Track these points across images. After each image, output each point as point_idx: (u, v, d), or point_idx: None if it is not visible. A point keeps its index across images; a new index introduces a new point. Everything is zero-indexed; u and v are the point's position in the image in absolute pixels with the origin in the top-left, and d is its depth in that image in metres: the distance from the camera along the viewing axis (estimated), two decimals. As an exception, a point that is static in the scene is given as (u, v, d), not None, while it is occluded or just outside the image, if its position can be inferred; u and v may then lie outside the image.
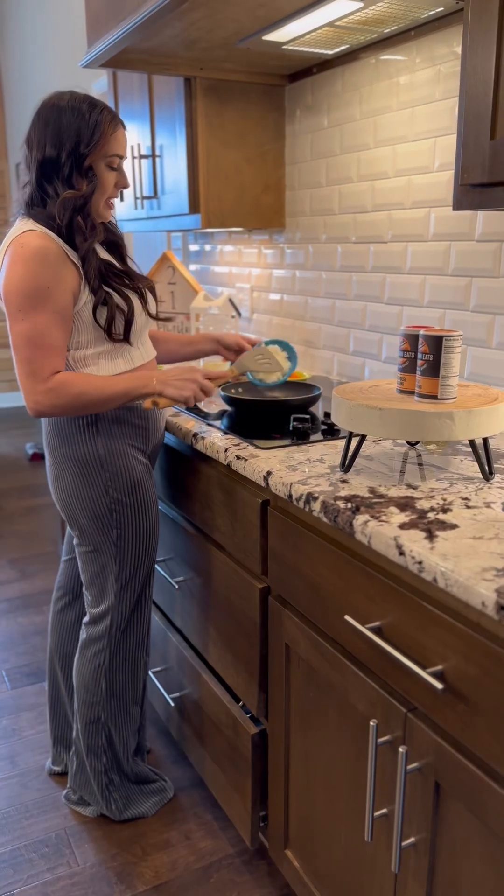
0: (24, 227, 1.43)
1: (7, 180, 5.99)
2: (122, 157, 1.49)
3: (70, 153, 1.43)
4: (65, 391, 1.44)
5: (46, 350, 1.43)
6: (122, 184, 1.52)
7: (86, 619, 1.70)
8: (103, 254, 1.55)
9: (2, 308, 1.48)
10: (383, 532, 1.04)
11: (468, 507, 1.13)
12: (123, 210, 2.76)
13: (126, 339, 1.52)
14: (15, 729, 2.16)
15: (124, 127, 1.50)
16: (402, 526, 1.06)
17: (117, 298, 1.50)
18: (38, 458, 4.78)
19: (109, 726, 1.71)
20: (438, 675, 0.98)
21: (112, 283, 1.50)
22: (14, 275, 1.40)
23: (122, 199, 2.72)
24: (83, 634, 1.70)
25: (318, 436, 1.55)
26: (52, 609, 1.89)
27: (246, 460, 1.40)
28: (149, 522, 1.63)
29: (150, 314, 1.60)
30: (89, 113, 1.43)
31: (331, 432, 1.56)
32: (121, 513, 1.59)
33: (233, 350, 1.79)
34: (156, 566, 1.92)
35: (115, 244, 1.60)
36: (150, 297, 1.60)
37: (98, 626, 1.67)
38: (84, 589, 1.69)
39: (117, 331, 1.51)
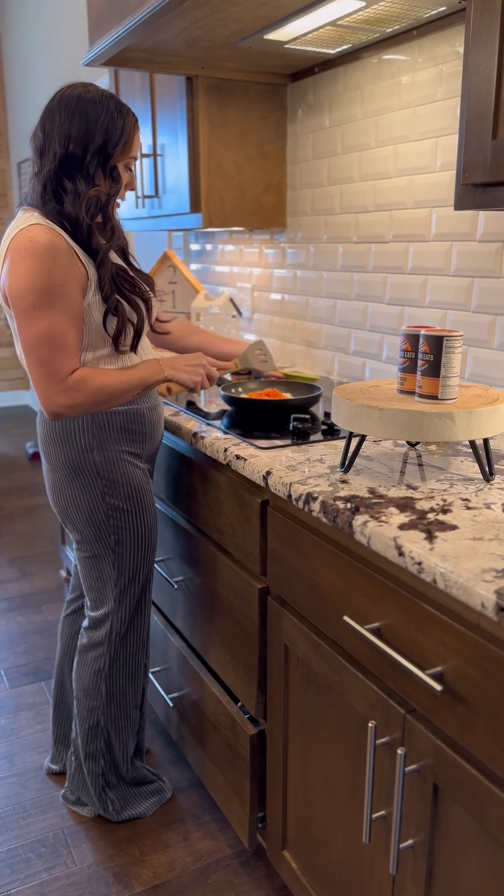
0: (29, 220, 1.37)
1: (8, 178, 5.98)
2: (135, 160, 1.48)
3: (97, 151, 1.39)
4: (85, 387, 1.40)
5: (64, 350, 1.38)
6: (131, 185, 1.51)
7: (85, 623, 1.69)
8: (114, 257, 1.52)
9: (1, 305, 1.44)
10: (383, 532, 1.04)
11: (468, 508, 1.13)
12: (124, 209, 2.75)
13: (133, 349, 1.51)
14: (13, 728, 2.15)
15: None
16: (402, 526, 1.05)
17: (128, 309, 1.47)
18: (37, 457, 4.77)
19: (109, 730, 1.70)
20: (437, 677, 0.98)
21: (124, 290, 1.46)
22: (25, 270, 1.33)
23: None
24: (83, 639, 1.69)
25: (318, 436, 1.54)
26: (63, 612, 1.88)
27: (245, 460, 1.40)
28: (147, 528, 1.62)
29: (151, 323, 1.58)
30: (117, 112, 1.39)
31: (331, 432, 1.55)
32: (118, 518, 1.57)
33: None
34: (155, 566, 1.92)
35: (119, 245, 1.58)
36: (153, 302, 1.58)
37: (98, 631, 1.66)
38: (84, 593, 1.68)
39: (125, 342, 1.48)
